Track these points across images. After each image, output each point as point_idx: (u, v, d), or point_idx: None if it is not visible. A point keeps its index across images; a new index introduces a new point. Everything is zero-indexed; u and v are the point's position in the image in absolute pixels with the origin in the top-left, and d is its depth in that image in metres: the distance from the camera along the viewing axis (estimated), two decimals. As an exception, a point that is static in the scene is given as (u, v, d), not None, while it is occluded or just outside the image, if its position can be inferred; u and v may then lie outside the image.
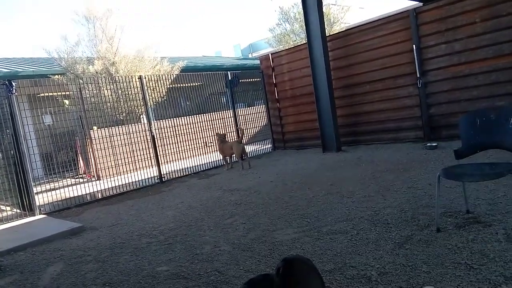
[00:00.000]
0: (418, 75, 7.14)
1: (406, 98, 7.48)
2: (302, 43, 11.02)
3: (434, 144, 6.51)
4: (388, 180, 4.87)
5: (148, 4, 62.27)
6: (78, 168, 9.86)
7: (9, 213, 6.12)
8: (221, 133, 8.53)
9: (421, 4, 9.76)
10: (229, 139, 8.76)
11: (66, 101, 9.65)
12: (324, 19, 8.02)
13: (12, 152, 6.04)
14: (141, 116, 10.53)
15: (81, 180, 9.00)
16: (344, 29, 11.54)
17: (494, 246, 2.59)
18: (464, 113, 4.77)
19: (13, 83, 5.87)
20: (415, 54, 7.11)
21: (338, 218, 3.71)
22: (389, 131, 7.83)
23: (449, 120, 6.88)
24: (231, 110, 9.61)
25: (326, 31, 8.04)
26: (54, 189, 7.45)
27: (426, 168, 5.15)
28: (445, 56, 6.85)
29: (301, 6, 8.11)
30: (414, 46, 7.11)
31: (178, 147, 9.06)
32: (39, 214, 5.98)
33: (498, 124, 3.02)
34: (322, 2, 7.79)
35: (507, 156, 4.04)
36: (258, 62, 11.75)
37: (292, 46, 10.78)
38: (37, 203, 6.10)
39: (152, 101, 9.82)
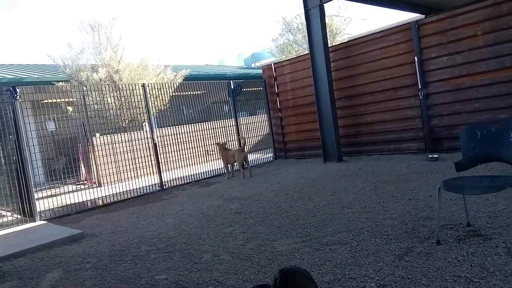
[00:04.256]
0: (419, 87, 7.17)
1: (407, 109, 7.50)
2: (304, 53, 11.10)
3: (435, 155, 6.51)
4: (389, 191, 4.87)
5: (152, 13, 62.91)
6: (80, 175, 9.88)
7: (10, 218, 6.14)
8: (222, 141, 8.55)
9: (423, 16, 9.86)
10: (231, 147, 8.78)
11: (70, 108, 9.71)
12: (327, 30, 8.08)
13: (14, 158, 6.08)
14: (144, 124, 10.58)
15: (82, 186, 9.02)
16: (346, 40, 11.60)
17: (494, 260, 2.58)
18: (466, 125, 4.78)
19: (17, 90, 5.93)
20: (416, 66, 7.15)
21: (338, 229, 3.70)
22: (391, 142, 7.83)
23: (451, 132, 6.89)
24: (233, 119, 9.65)
25: (329, 42, 8.09)
26: (55, 195, 7.46)
27: (427, 180, 5.14)
28: (447, 68, 6.89)
29: (304, 17, 8.17)
30: (415, 58, 7.15)
31: (180, 155, 9.08)
32: (40, 220, 5.99)
33: (498, 137, 3.02)
34: (324, 14, 7.86)
35: (508, 169, 4.05)
36: (260, 71, 11.83)
37: (295, 56, 10.86)
38: (38, 209, 6.11)
39: (155, 109, 9.86)
